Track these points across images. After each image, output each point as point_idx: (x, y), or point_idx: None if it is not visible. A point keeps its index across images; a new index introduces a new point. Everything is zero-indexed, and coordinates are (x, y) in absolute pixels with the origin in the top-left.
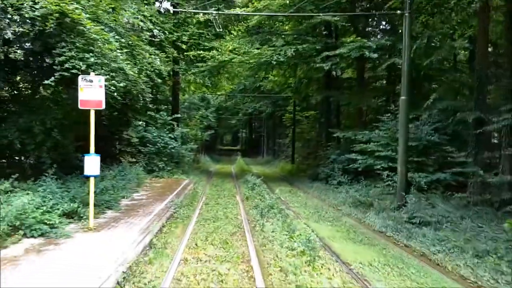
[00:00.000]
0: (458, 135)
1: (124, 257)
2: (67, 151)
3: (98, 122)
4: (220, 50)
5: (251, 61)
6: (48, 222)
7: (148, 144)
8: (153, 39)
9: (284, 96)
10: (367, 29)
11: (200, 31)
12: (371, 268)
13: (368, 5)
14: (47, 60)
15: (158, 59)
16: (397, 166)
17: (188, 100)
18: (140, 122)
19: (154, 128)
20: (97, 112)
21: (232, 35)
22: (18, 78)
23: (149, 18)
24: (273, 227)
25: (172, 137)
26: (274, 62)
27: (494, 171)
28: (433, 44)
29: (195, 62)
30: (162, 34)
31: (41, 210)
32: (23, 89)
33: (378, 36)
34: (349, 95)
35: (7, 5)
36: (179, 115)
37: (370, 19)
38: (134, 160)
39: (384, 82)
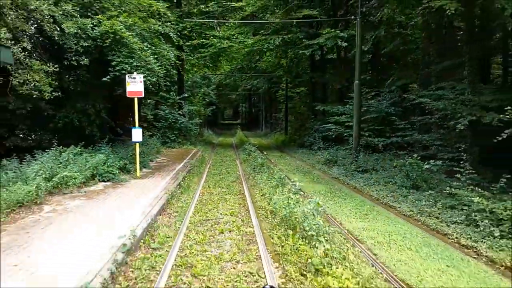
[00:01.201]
0: (409, 108)
1: (167, 189)
2: (107, 126)
3: (118, 104)
4: (219, 38)
5: (245, 49)
6: (111, 172)
7: (161, 120)
8: (163, 31)
9: (277, 74)
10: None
11: (202, 21)
12: (318, 194)
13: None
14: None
15: (172, 54)
16: (358, 133)
17: (191, 80)
18: (149, 101)
19: (165, 106)
20: (119, 95)
21: (229, 25)
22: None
23: (161, 16)
24: (261, 177)
25: (181, 113)
26: (265, 50)
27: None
28: (398, 28)
29: (198, 48)
30: (174, 32)
31: (106, 165)
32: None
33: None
34: (330, 75)
35: (78, 28)
36: (185, 95)
37: (349, 8)
38: (150, 133)
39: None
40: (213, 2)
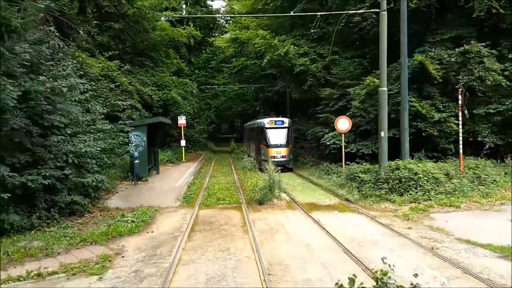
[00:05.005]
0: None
1: (199, 165)
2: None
3: (163, 129)
4: (218, 83)
5: (234, 93)
6: (173, 159)
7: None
8: (190, 90)
9: (256, 104)
10: None
11: (207, 73)
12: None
13: None
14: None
15: (195, 101)
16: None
17: (198, 107)
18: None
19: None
20: (166, 125)
21: (225, 73)
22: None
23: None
24: (241, 162)
25: (195, 132)
26: (245, 93)
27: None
28: None
29: (204, 90)
30: (194, 88)
31: (171, 156)
32: None
33: None
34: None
35: (158, 97)
36: (197, 120)
37: None
38: (176, 144)
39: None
40: (213, 62)
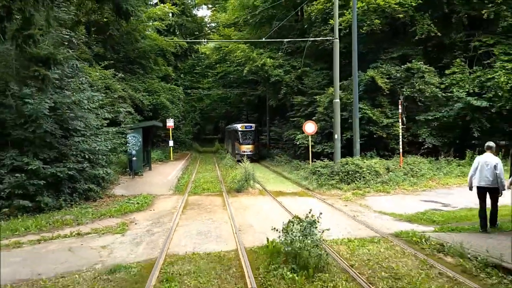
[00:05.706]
0: None
1: (186, 163)
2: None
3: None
4: (203, 87)
5: (218, 96)
6: (162, 158)
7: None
8: (178, 95)
9: (240, 106)
10: None
11: (193, 78)
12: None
13: None
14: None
15: (181, 104)
16: (269, 141)
17: (184, 110)
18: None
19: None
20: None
21: (209, 78)
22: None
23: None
24: (223, 160)
25: (181, 133)
26: (228, 97)
27: None
28: None
29: (190, 93)
30: (181, 93)
31: (160, 155)
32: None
33: None
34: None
35: (149, 102)
36: (183, 121)
37: None
38: (164, 145)
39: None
40: (199, 67)
